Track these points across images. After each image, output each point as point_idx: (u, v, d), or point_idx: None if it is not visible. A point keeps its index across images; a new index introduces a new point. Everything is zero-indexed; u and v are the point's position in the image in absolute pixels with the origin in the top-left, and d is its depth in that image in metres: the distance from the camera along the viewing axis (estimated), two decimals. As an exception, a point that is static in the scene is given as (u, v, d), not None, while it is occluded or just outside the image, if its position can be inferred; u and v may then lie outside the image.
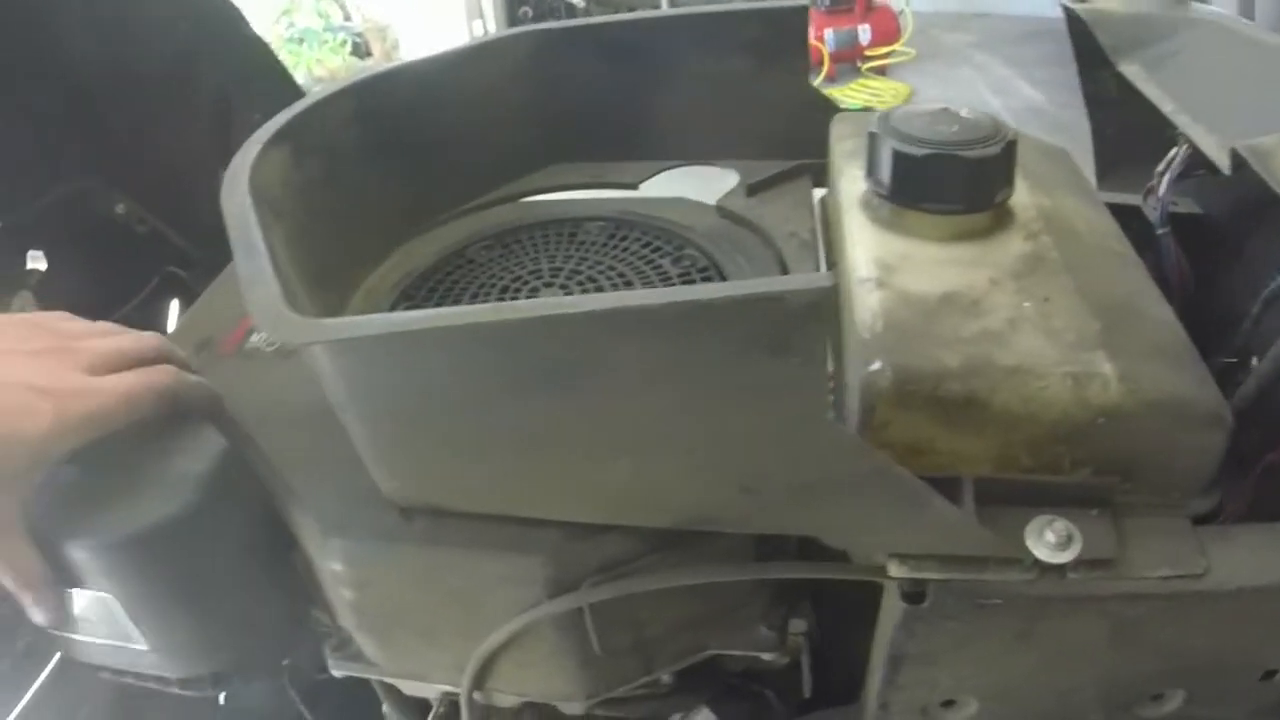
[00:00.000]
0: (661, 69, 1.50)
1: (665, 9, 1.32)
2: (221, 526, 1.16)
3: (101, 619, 1.19)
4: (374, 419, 0.97)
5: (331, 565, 1.10)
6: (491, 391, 0.89)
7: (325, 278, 1.19)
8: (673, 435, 0.88)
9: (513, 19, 6.30)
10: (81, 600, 1.19)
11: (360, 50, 6.73)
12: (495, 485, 1.02)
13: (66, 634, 1.28)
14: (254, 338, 1.39)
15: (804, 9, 1.42)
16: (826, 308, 0.74)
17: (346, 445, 1.12)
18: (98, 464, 1.16)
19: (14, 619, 1.48)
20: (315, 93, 1.33)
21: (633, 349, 0.81)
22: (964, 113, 1.10)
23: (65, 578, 1.17)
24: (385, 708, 1.43)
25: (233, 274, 1.56)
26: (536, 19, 6.21)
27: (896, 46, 6.24)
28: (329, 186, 1.29)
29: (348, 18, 6.95)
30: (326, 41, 6.56)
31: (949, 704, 1.09)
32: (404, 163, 1.42)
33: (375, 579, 1.11)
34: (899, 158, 1.07)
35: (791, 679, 1.29)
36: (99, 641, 1.25)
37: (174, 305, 2.02)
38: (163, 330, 1.97)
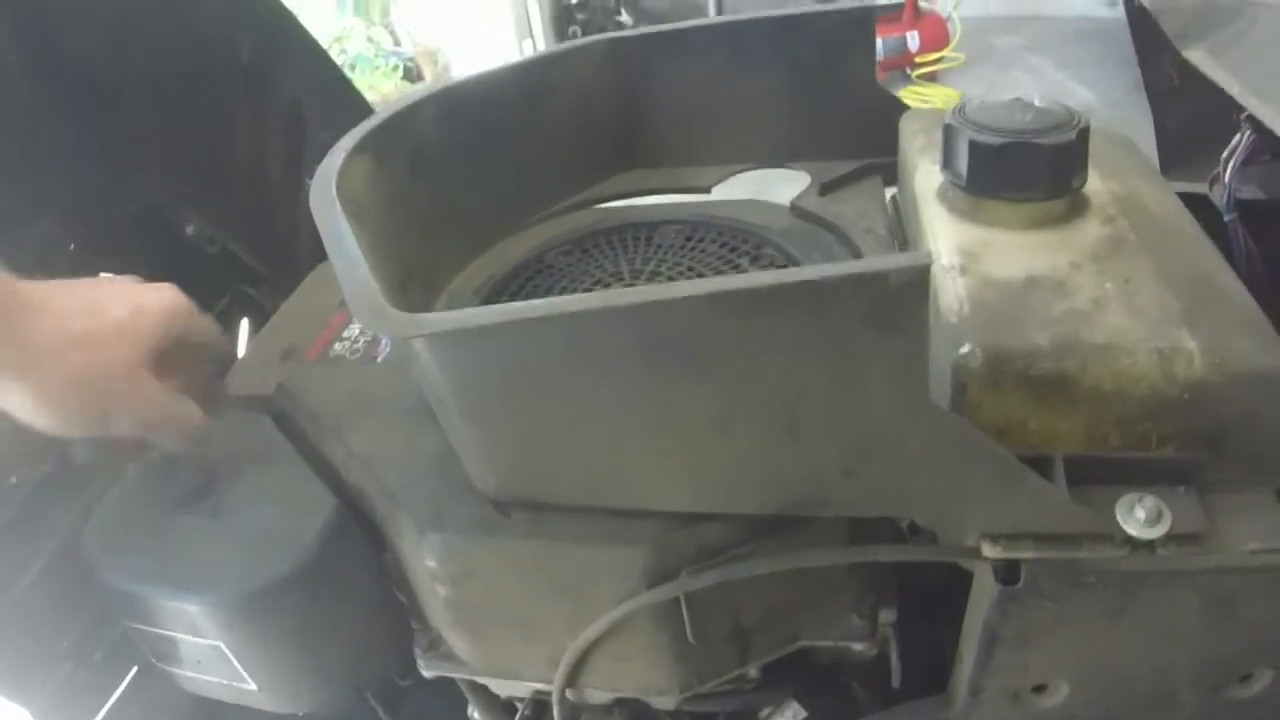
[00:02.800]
0: (733, 73, 1.51)
1: (738, 14, 1.32)
2: (330, 583, 1.19)
3: (213, 661, 1.23)
4: (476, 413, 0.98)
5: (427, 561, 1.12)
6: (598, 379, 0.90)
7: (408, 284, 1.21)
8: (775, 419, 0.89)
9: (562, 38, 6.32)
10: (195, 646, 1.22)
11: (411, 75, 6.76)
12: (597, 476, 1.03)
13: (176, 670, 1.31)
14: (337, 345, 1.42)
15: (871, 11, 1.43)
16: (926, 285, 0.76)
17: (437, 443, 1.14)
18: (215, 516, 1.19)
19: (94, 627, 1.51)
20: (395, 102, 1.35)
21: (739, 331, 0.82)
22: (1037, 102, 1.11)
23: (179, 626, 1.20)
24: (470, 709, 1.44)
25: (311, 285, 1.59)
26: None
27: (946, 52, 6.20)
28: (410, 194, 1.31)
29: (397, 43, 6.97)
30: (378, 67, 6.60)
31: (1040, 689, 1.10)
32: (481, 170, 1.43)
33: (471, 574, 1.12)
34: (976, 148, 1.08)
35: (876, 671, 1.30)
36: (209, 679, 1.28)
37: (244, 323, 2.04)
38: (234, 346, 2.00)
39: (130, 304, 1.12)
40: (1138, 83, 1.83)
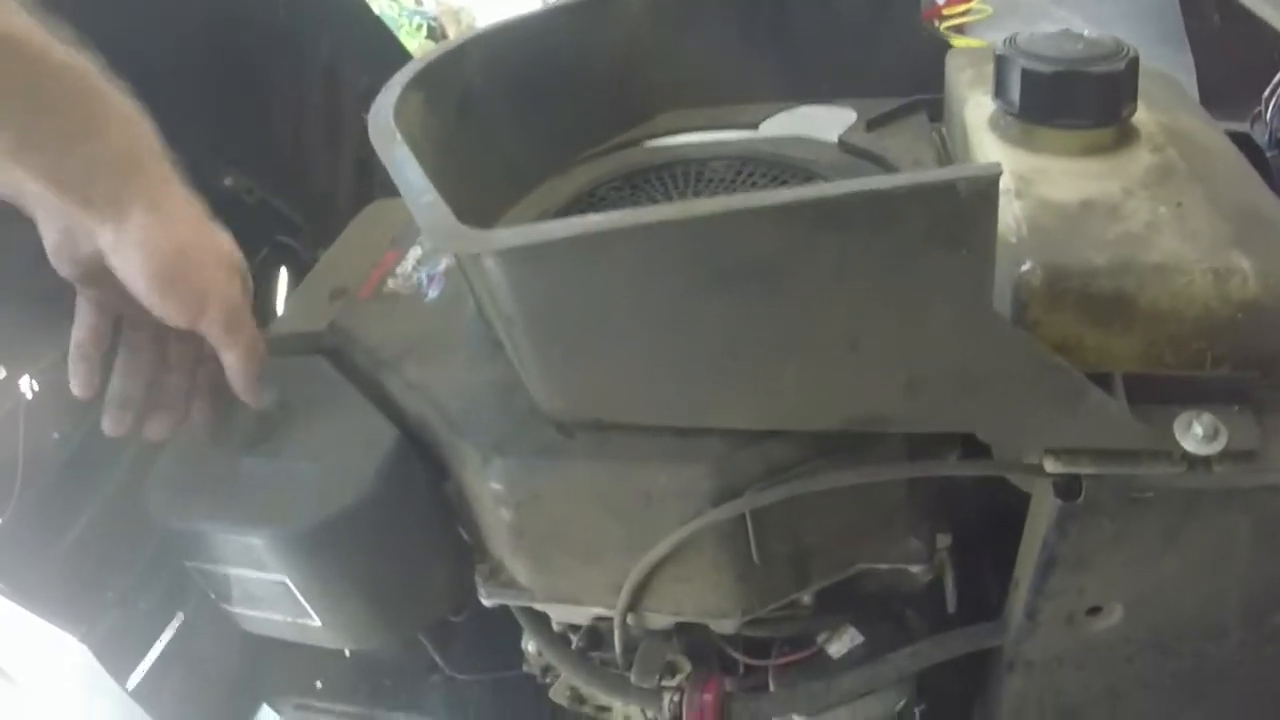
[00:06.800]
0: (778, 12, 1.51)
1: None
2: (394, 515, 1.21)
3: (277, 598, 1.25)
4: (545, 330, 0.99)
5: (492, 485, 1.13)
6: (668, 293, 0.91)
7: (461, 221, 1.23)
8: (843, 331, 0.90)
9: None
10: (259, 583, 1.24)
11: (435, 34, 6.72)
12: (664, 394, 1.04)
13: (239, 609, 1.32)
14: (390, 281, 1.44)
15: (916, -53, 1.45)
16: (995, 195, 0.77)
17: (498, 372, 1.16)
18: (277, 455, 1.21)
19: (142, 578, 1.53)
20: (446, 42, 1.36)
21: (808, 242, 0.84)
22: (1086, 32, 1.12)
23: (245, 562, 1.21)
24: (525, 641, 1.46)
25: (358, 228, 1.61)
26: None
27: (973, 4, 6.15)
28: (461, 132, 1.32)
29: (420, 2, 6.95)
30: (402, 26, 6.56)
31: (1094, 612, 1.11)
32: (530, 109, 1.45)
33: (536, 497, 1.13)
34: (1029, 76, 1.09)
35: (929, 599, 1.32)
36: (274, 617, 1.30)
37: (283, 273, 2.05)
38: (273, 296, 2.02)
39: None
40: (1165, 36, 1.84)
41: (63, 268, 1.08)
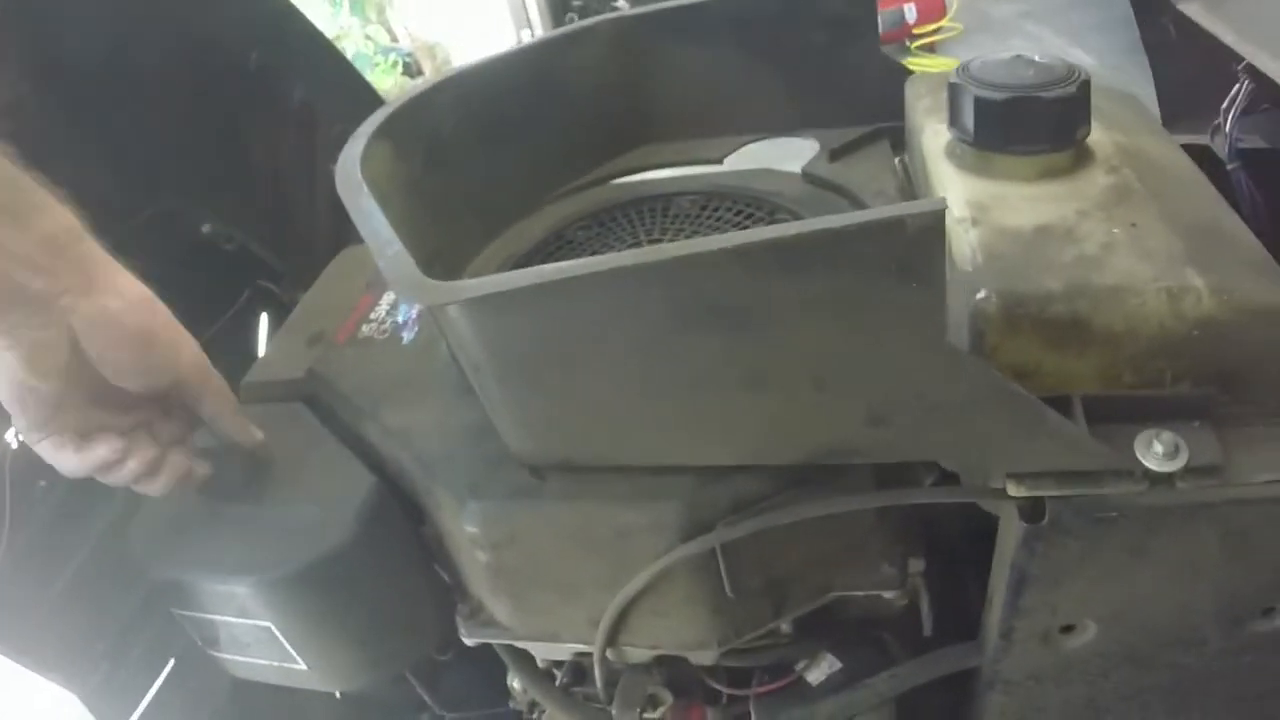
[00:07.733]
0: (739, 47, 1.53)
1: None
2: (374, 560, 1.22)
3: (262, 644, 1.26)
4: (512, 377, 1.01)
5: (467, 529, 1.14)
6: (632, 338, 0.93)
7: (432, 266, 1.24)
8: (807, 367, 0.92)
9: (559, 26, 6.30)
10: (245, 629, 1.25)
11: (411, 70, 6.73)
12: (631, 435, 1.06)
13: (226, 655, 1.33)
14: (365, 327, 1.45)
15: (871, -22, 1.46)
16: (942, 229, 0.78)
17: (471, 417, 1.17)
18: (258, 502, 1.23)
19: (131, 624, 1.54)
20: (412, 87, 1.38)
21: (765, 282, 0.85)
22: (1037, 58, 1.13)
23: (228, 609, 1.23)
24: (510, 678, 1.47)
25: (333, 273, 1.62)
26: (582, 25, 6.16)
27: (943, 23, 6.16)
28: (427, 178, 1.34)
29: (395, 40, 6.95)
30: (377, 64, 6.57)
31: (1068, 629, 1.13)
32: (498, 152, 1.47)
33: (511, 539, 1.15)
34: (981, 104, 1.10)
35: (907, 623, 1.33)
36: (260, 662, 1.31)
37: (264, 318, 2.06)
38: (254, 341, 2.03)
39: None
40: (1133, 45, 1.85)
41: (37, 400, 1.05)
